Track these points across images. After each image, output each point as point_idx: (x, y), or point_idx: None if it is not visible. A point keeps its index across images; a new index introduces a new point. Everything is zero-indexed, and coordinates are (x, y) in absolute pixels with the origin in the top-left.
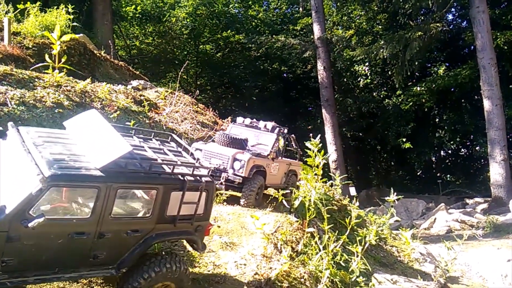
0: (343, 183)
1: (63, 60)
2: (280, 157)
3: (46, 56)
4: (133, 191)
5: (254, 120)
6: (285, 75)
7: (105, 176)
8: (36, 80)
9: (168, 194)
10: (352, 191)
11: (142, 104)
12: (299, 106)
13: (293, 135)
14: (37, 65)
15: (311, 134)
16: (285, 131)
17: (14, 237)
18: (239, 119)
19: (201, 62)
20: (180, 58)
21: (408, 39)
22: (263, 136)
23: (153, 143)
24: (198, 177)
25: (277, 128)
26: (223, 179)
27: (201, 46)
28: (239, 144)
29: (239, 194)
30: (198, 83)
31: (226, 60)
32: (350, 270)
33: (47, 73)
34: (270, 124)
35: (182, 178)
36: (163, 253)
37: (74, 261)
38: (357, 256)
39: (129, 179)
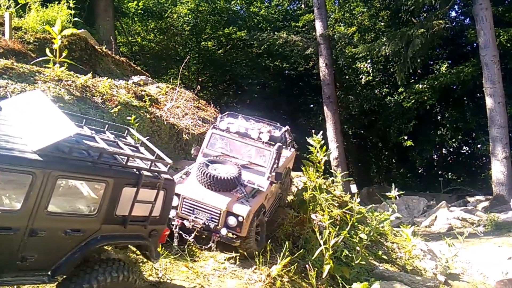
0: (344, 180)
1: (64, 54)
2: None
3: (47, 50)
4: (77, 182)
5: (243, 121)
6: (286, 72)
7: (42, 161)
8: (37, 74)
9: (119, 190)
10: (353, 188)
11: (143, 99)
12: (300, 103)
13: (287, 127)
14: (38, 59)
15: (313, 131)
16: (286, 135)
17: None
18: (222, 124)
19: (203, 59)
20: (182, 54)
21: (410, 36)
22: (257, 152)
23: (107, 136)
24: (156, 173)
25: (277, 145)
26: (213, 242)
27: (202, 43)
28: (231, 184)
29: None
30: (200, 79)
31: (228, 57)
32: (350, 265)
33: (48, 67)
34: (265, 135)
35: (137, 172)
36: (108, 259)
37: None
38: (358, 251)
39: (72, 168)
